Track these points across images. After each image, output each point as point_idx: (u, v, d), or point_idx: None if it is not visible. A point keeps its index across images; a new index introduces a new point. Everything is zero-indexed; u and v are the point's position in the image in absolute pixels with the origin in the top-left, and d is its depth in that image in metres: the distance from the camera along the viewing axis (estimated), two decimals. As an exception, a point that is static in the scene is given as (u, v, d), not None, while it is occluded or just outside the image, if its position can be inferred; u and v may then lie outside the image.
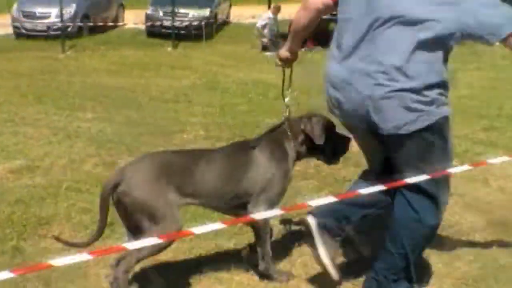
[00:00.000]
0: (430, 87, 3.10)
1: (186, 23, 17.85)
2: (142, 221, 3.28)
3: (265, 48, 15.24)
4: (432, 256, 4.12)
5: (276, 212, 3.18)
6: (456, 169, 3.41)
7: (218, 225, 2.22)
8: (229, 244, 4.34)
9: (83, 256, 2.18)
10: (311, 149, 3.85)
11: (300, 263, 4.01)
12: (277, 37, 15.35)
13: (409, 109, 3.10)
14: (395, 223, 3.42)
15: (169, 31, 17.12)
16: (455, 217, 4.82)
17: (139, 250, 3.20)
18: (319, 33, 15.35)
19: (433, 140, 3.21)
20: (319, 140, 3.75)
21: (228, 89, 10.38)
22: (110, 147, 6.61)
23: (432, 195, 3.31)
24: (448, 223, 4.68)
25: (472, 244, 4.34)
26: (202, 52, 14.96)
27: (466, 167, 3.53)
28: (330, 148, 3.90)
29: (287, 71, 4.07)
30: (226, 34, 18.74)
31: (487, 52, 13.71)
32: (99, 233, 3.44)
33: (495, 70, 11.60)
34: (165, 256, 3.97)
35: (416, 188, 3.24)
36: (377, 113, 3.15)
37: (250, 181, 3.59)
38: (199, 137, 7.30)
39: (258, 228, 3.72)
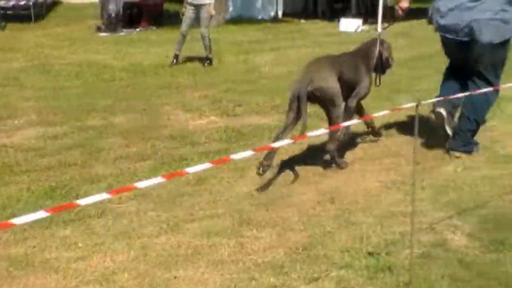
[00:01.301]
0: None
1: (13, 3, 16.90)
2: (330, 106, 5.22)
3: (99, 29, 14.82)
4: (266, 229, 4.33)
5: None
6: (281, 143, 3.58)
7: (42, 214, 2.19)
8: (65, 232, 4.28)
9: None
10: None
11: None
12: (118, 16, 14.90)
13: (497, 29, 5.39)
14: (471, 101, 5.60)
15: (-6, 11, 16.10)
16: (287, 189, 5.06)
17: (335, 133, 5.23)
18: (153, 13, 15.30)
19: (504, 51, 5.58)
20: (391, 60, 6.15)
21: (61, 72, 10.03)
22: None
23: (492, 82, 5.50)
24: (280, 195, 4.93)
25: (303, 214, 4.59)
26: (33, 34, 14.26)
27: (287, 141, 3.70)
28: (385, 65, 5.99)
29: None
30: (58, 15, 17.98)
31: (311, 30, 14.42)
32: (305, 126, 4.97)
33: (320, 46, 12.18)
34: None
35: (484, 79, 5.56)
36: (479, 30, 5.35)
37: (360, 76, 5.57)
38: (31, 122, 7.03)
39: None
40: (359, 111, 5.72)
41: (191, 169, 2.72)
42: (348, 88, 5.44)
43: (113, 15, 14.80)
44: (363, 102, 5.84)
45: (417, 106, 3.52)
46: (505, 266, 3.80)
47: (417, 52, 11.59)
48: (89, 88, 8.87)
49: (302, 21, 16.07)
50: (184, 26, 10.54)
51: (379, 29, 6.27)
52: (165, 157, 5.89)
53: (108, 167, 5.63)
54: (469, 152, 5.78)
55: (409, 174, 4.95)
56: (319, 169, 5.51)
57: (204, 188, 5.10)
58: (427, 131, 6.42)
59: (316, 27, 15.25)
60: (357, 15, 16.13)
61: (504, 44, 5.54)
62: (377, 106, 7.21)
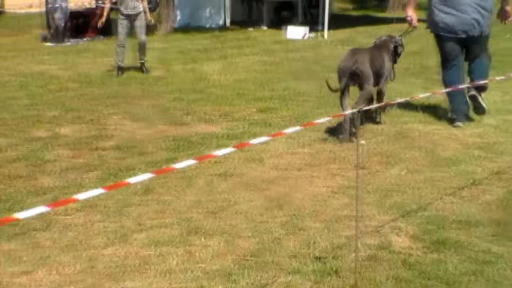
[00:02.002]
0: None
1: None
2: (365, 83, 6.65)
3: (45, 39, 14.60)
4: (214, 237, 4.35)
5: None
6: (224, 151, 3.63)
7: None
8: (9, 246, 4.22)
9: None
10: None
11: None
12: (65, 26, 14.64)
13: (488, 25, 7.11)
14: (479, 68, 7.22)
15: None
16: (235, 197, 5.09)
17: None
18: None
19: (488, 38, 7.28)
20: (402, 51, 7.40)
21: (6, 83, 9.87)
22: None
23: (488, 56, 7.39)
24: (228, 203, 4.96)
25: (250, 221, 4.63)
26: (-25, 44, 13.99)
27: (230, 149, 3.76)
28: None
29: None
30: (2, 25, 17.68)
31: (258, 38, 14.53)
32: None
33: (268, 54, 12.29)
34: None
35: (484, 55, 7.27)
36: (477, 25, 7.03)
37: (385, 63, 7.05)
38: (-27, 135, 6.89)
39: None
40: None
41: (133, 179, 2.73)
42: (374, 72, 6.82)
43: (60, 24, 14.61)
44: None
45: (358, 112, 3.61)
46: (446, 265, 3.92)
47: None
48: (35, 99, 8.74)
49: (250, 29, 16.16)
50: (121, 37, 10.50)
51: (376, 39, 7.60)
52: (112, 168, 5.85)
53: (54, 179, 5.56)
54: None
55: (355, 179, 5.04)
56: (266, 175, 5.57)
57: (152, 197, 5.09)
58: (372, 135, 6.57)
59: (264, 35, 15.37)
60: (303, 22, 16.32)
61: None
62: (323, 112, 7.35)
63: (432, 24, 7.31)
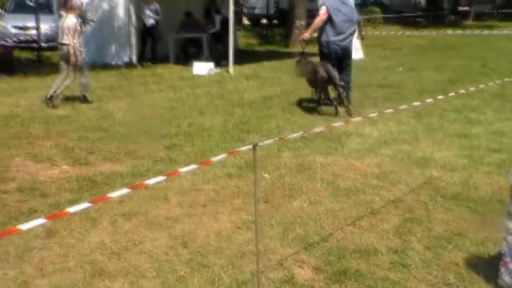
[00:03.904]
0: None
1: None
2: None
3: None
4: (118, 278, 4.33)
5: None
6: (118, 193, 3.64)
7: None
8: None
9: None
10: None
11: None
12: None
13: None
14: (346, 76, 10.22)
15: None
16: (139, 236, 5.08)
17: None
18: (3, 61, 14.78)
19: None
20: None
21: None
22: None
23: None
24: (132, 243, 4.94)
25: (155, 260, 4.64)
26: None
27: (125, 190, 3.78)
28: None
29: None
30: None
31: (165, 75, 14.59)
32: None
33: (174, 90, 12.35)
34: None
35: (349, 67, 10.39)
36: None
37: None
38: None
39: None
40: None
41: (24, 226, 2.70)
42: None
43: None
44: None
45: (254, 147, 3.73)
46: (345, 295, 4.07)
47: (265, 92, 12.05)
48: None
49: (156, 66, 16.19)
50: None
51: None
52: (13, 211, 5.70)
53: (-50, 225, 5.36)
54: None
55: (259, 213, 5.15)
56: (171, 213, 5.59)
57: (54, 241, 5.00)
58: (275, 169, 6.73)
59: (171, 71, 15.41)
60: (209, 58, 16.53)
61: None
62: (228, 147, 7.47)
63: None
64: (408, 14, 30.33)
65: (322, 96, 9.91)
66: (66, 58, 10.58)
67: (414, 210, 5.65)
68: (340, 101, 9.65)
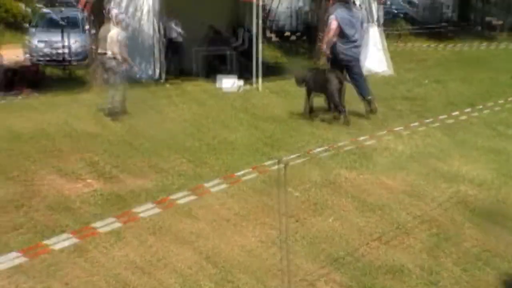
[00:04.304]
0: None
1: None
2: None
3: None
4: (143, 292, 4.32)
5: None
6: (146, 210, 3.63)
7: None
8: None
9: None
10: None
11: None
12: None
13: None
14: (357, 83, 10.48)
15: None
16: (164, 251, 5.07)
17: None
18: (31, 78, 15.00)
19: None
20: None
21: None
22: None
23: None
24: (157, 258, 4.93)
25: (179, 275, 4.62)
26: None
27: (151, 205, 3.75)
28: None
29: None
30: None
31: (189, 88, 14.63)
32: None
33: (199, 104, 12.33)
34: None
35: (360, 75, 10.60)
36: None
37: None
38: None
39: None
40: None
41: (50, 241, 2.70)
42: None
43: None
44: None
45: (279, 163, 3.70)
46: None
47: (290, 106, 11.98)
48: None
49: (181, 80, 16.23)
50: None
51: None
52: (39, 225, 5.74)
53: (-22, 239, 5.41)
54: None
55: (284, 228, 5.11)
56: (195, 228, 5.57)
57: (80, 255, 5.01)
58: (300, 183, 6.68)
59: (195, 85, 15.41)
60: (235, 72, 16.54)
61: None
62: (252, 161, 7.44)
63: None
64: (435, 26, 30.08)
65: (333, 105, 10.12)
66: (109, 69, 10.84)
67: (442, 225, 5.56)
68: (339, 110, 9.92)
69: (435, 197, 6.31)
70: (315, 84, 10.26)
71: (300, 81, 10.62)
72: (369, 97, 10.38)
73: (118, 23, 10.83)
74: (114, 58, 10.65)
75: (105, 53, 10.77)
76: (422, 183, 6.77)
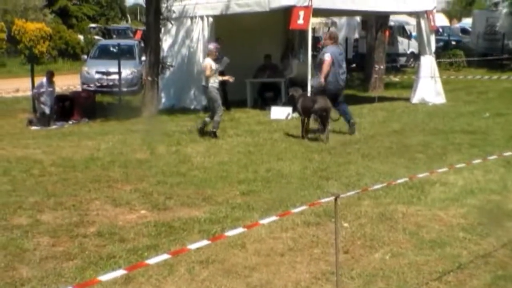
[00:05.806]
0: None
1: None
2: None
3: (31, 122, 14.61)
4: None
5: None
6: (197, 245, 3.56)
7: None
8: None
9: None
10: None
11: None
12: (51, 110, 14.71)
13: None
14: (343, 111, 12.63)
15: None
16: (216, 285, 4.99)
17: None
18: (85, 106, 15.29)
19: None
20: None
21: (-12, 168, 9.78)
22: None
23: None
24: (208, 292, 4.86)
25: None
26: (-40, 130, 13.96)
27: (205, 242, 3.68)
28: None
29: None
30: (-14, 110, 17.73)
31: (242, 119, 14.62)
32: None
33: (251, 135, 12.34)
34: None
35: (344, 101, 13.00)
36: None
37: None
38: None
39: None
40: None
41: (104, 277, 2.67)
42: None
43: (46, 108, 14.68)
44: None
45: (335, 199, 3.60)
46: None
47: (344, 138, 11.88)
48: (17, 185, 8.65)
49: (234, 110, 16.30)
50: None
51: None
52: (93, 256, 5.75)
53: (33, 269, 5.45)
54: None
55: (339, 265, 4.97)
56: (248, 261, 5.48)
57: (132, 287, 4.98)
58: (355, 218, 6.52)
59: (248, 115, 15.46)
60: (286, 103, 16.52)
61: None
62: (306, 194, 7.33)
63: None
64: (494, 57, 29.30)
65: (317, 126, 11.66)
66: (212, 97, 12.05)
67: (508, 266, 5.31)
68: (323, 129, 11.46)
69: (499, 236, 6.05)
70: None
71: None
72: (352, 120, 12.45)
73: (210, 54, 12.08)
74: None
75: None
76: (484, 220, 6.52)
